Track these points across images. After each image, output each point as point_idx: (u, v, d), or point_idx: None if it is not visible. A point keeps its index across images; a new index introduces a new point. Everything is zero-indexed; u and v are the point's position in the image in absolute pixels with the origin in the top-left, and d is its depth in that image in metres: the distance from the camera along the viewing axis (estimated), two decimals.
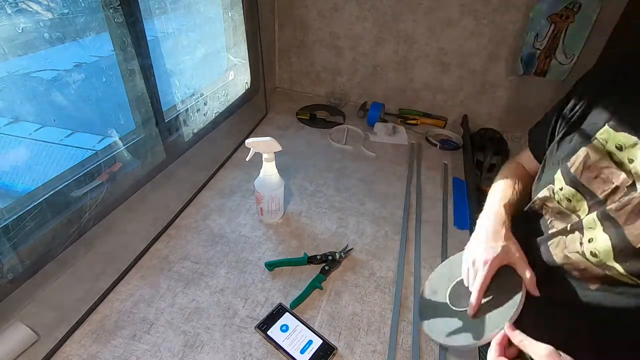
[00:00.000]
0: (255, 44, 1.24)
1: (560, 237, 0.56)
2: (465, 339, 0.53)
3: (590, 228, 0.52)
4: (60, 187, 0.71)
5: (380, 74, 1.41)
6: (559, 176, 0.57)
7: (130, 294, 0.68)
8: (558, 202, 0.57)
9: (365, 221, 0.90)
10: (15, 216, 0.63)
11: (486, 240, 0.58)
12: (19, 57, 0.62)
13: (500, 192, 0.67)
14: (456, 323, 0.55)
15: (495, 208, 0.64)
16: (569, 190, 0.55)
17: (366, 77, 1.44)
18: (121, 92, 0.81)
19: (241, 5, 1.15)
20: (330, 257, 0.77)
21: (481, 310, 0.53)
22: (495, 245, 0.56)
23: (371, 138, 1.25)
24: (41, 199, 0.67)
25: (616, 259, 0.49)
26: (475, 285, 0.55)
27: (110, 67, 0.78)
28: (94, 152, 0.80)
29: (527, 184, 0.70)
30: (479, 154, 1.28)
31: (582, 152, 0.53)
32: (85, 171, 0.76)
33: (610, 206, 0.49)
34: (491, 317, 0.52)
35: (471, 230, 0.89)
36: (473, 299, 0.55)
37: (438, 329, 0.57)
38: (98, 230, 0.77)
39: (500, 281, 0.54)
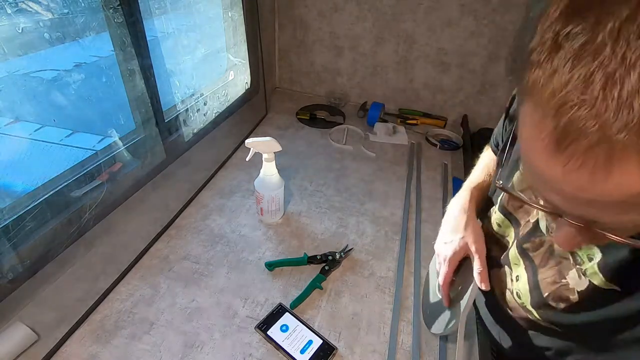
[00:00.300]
0: (255, 44, 1.24)
1: (495, 269, 0.53)
2: (441, 326, 0.57)
3: (515, 264, 0.50)
4: (60, 187, 0.71)
5: (380, 74, 1.41)
6: (497, 199, 0.55)
7: (130, 294, 0.68)
8: (493, 225, 0.56)
9: (365, 221, 0.90)
10: (15, 216, 0.63)
11: (447, 232, 0.59)
12: (19, 57, 0.62)
13: (474, 173, 0.66)
14: (441, 310, 0.59)
15: (461, 193, 0.63)
16: (499, 215, 0.53)
17: (366, 77, 1.44)
18: (121, 92, 0.81)
19: (241, 5, 1.15)
20: (330, 257, 0.77)
21: (454, 300, 0.55)
22: (454, 239, 0.56)
23: (371, 138, 1.25)
24: (41, 199, 0.67)
25: (532, 304, 0.46)
26: (439, 281, 0.57)
27: (110, 67, 0.78)
28: (94, 152, 0.80)
29: None
30: (479, 154, 1.28)
31: (513, 179, 0.50)
32: (85, 171, 0.76)
33: (527, 245, 0.47)
34: (458, 306, 0.53)
35: None
36: (440, 293, 0.57)
37: (431, 318, 0.62)
38: (98, 230, 0.77)
39: (465, 272, 0.55)
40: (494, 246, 0.55)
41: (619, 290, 0.36)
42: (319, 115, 1.35)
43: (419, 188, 1.03)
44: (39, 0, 0.62)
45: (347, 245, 0.82)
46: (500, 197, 0.54)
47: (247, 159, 0.79)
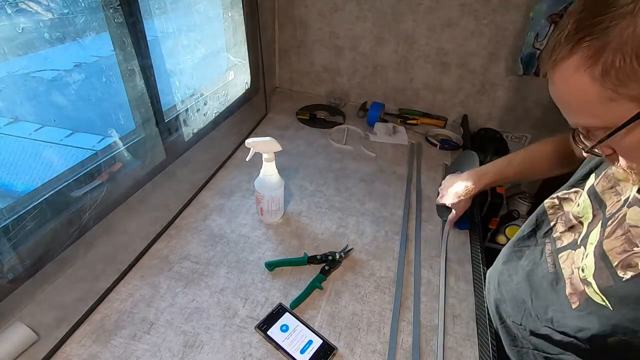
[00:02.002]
0: (255, 44, 1.24)
1: (569, 250, 0.55)
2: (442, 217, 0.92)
3: (592, 243, 0.50)
4: (60, 187, 0.71)
5: (380, 74, 1.41)
6: (585, 184, 0.56)
7: (130, 294, 0.68)
8: (573, 205, 0.56)
9: (365, 221, 0.90)
10: (15, 216, 0.63)
11: (453, 192, 0.82)
12: (19, 57, 0.62)
13: (502, 163, 0.79)
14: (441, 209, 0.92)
15: (483, 173, 0.80)
16: (585, 197, 0.54)
17: (366, 77, 1.44)
18: (121, 92, 0.81)
19: (241, 5, 1.15)
20: (330, 257, 0.77)
21: (445, 209, 0.88)
22: (451, 199, 0.83)
23: (371, 138, 1.25)
24: (41, 199, 0.67)
25: (594, 275, 0.48)
26: (437, 200, 0.89)
27: (110, 67, 0.78)
28: (94, 152, 0.80)
29: (547, 167, 0.73)
30: (479, 154, 1.28)
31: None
32: (85, 171, 0.76)
33: (610, 222, 0.48)
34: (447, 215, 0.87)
35: (471, 231, 0.89)
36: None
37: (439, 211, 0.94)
38: (98, 230, 0.77)
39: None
40: (560, 224, 0.59)
41: None
42: (319, 115, 1.35)
43: (419, 188, 1.03)
44: (39, 0, 0.62)
45: (347, 245, 0.82)
46: (593, 182, 0.55)
47: (247, 159, 0.79)
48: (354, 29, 1.34)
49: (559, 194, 0.61)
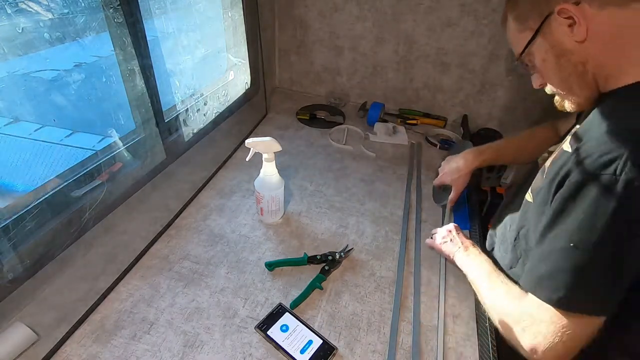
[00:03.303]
0: (255, 44, 1.24)
1: None
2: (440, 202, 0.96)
3: None
4: (60, 187, 0.71)
5: (380, 74, 1.41)
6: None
7: (130, 294, 0.68)
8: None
9: (365, 221, 0.90)
10: (15, 216, 0.63)
11: (454, 167, 0.88)
12: (19, 57, 0.62)
13: (501, 142, 0.89)
14: (438, 194, 0.98)
15: (481, 150, 0.87)
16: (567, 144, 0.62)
17: (366, 77, 1.44)
18: (121, 92, 0.81)
19: (241, 5, 1.15)
20: (330, 257, 0.77)
21: (442, 193, 0.94)
22: (451, 175, 0.89)
23: (371, 138, 1.25)
24: (41, 199, 0.67)
25: (533, 185, 0.60)
26: (434, 182, 0.95)
27: (110, 67, 0.78)
28: (94, 152, 0.80)
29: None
30: None
31: None
32: (85, 171, 0.76)
33: None
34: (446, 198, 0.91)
35: (471, 230, 0.89)
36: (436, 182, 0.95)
37: (436, 197, 0.99)
38: (98, 230, 0.77)
39: (449, 188, 0.91)
40: None
41: (569, 152, 0.51)
42: (319, 115, 1.35)
43: (419, 188, 1.03)
44: (39, 0, 0.62)
45: (347, 245, 0.82)
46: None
47: (247, 159, 0.79)
48: (354, 29, 1.34)
49: (550, 148, 0.67)
